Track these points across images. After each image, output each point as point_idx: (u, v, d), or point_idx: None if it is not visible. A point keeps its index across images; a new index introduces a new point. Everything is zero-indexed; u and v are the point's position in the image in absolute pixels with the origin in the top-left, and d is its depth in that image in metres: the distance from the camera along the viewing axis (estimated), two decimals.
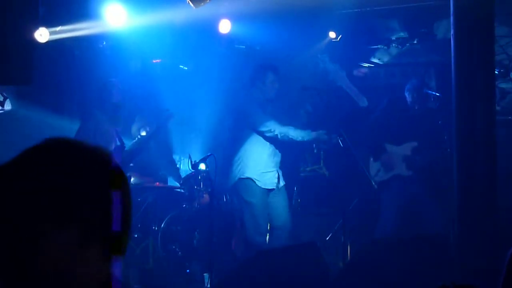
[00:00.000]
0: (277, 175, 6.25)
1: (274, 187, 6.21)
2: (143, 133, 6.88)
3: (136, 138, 6.74)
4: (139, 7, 6.48)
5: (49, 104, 7.43)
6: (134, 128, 7.04)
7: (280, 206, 6.23)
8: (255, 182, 6.13)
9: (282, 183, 6.29)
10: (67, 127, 7.39)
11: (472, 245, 5.06)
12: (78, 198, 1.23)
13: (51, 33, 6.37)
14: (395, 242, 5.89)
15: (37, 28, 5.82)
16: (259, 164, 6.15)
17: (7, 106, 7.36)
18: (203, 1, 5.24)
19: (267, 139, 6.17)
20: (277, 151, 6.27)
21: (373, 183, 6.13)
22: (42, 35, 6.19)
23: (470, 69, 5.14)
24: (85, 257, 1.25)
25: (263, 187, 6.15)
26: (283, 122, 6.17)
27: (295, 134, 6.13)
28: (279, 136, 6.11)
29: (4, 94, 6.67)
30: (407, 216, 6.37)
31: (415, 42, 7.90)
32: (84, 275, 1.25)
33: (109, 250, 1.27)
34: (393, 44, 8.03)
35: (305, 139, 6.18)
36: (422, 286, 4.52)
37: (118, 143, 5.93)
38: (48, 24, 6.31)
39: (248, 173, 6.15)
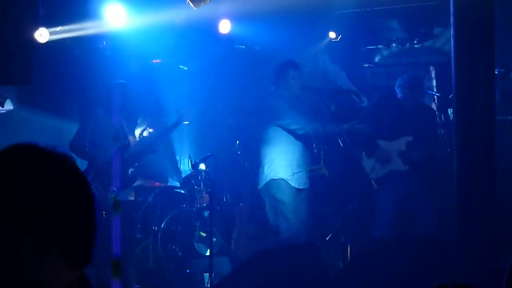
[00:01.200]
0: (307, 175, 6.23)
1: (304, 187, 6.19)
2: (145, 134, 6.87)
3: (139, 139, 6.73)
4: (139, 7, 6.48)
5: (49, 104, 7.44)
6: (138, 130, 7.03)
7: (301, 208, 6.20)
8: (288, 182, 6.10)
9: (308, 184, 6.26)
10: (67, 127, 7.40)
11: (472, 245, 5.06)
12: (34, 206, 1.20)
13: (51, 33, 6.38)
14: (395, 242, 5.89)
15: (37, 28, 5.82)
16: (292, 164, 6.11)
17: (8, 106, 7.37)
18: (203, 1, 5.25)
19: (299, 137, 6.12)
20: (307, 150, 6.24)
21: (373, 183, 6.12)
22: (42, 35, 6.20)
23: (470, 69, 5.14)
24: (46, 265, 1.22)
25: (296, 187, 6.12)
26: (311, 118, 6.15)
27: (328, 128, 6.11)
28: (311, 132, 6.09)
29: (5, 94, 6.67)
30: (403, 213, 6.35)
31: (415, 42, 7.90)
32: (47, 283, 1.22)
33: (72, 256, 1.25)
34: (393, 44, 8.03)
35: (339, 132, 6.13)
36: (422, 286, 4.52)
37: (126, 142, 5.92)
38: (48, 24, 6.31)
39: (281, 174, 6.09)
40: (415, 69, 8.21)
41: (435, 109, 7.04)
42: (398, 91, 6.57)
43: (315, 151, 6.81)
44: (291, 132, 6.11)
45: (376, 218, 6.42)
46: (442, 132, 6.75)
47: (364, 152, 6.43)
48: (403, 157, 6.36)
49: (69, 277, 1.26)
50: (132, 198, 6.14)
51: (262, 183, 6.20)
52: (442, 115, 6.92)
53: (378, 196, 6.39)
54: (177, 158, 7.87)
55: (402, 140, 6.40)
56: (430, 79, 8.09)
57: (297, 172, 6.13)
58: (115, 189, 5.69)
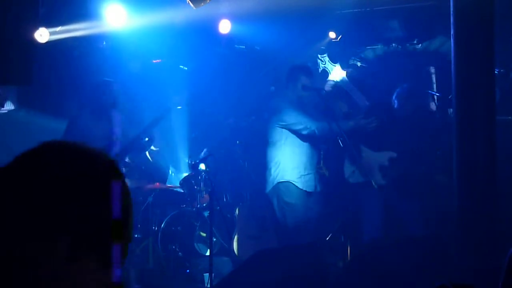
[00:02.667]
0: (316, 177, 6.19)
1: (313, 190, 6.14)
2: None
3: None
4: (139, 7, 6.49)
5: (49, 104, 7.43)
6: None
7: (311, 212, 6.16)
8: (295, 185, 6.07)
9: (319, 187, 6.21)
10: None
11: (472, 245, 5.06)
12: (69, 208, 1.17)
13: (51, 33, 6.38)
14: (395, 242, 5.89)
15: (37, 28, 5.82)
16: (299, 166, 6.07)
17: (9, 106, 7.37)
18: (203, 1, 5.25)
19: (305, 137, 6.08)
20: (315, 152, 6.21)
21: (373, 183, 6.10)
22: (42, 35, 6.20)
23: (470, 69, 5.14)
24: (76, 269, 1.19)
25: (303, 189, 6.08)
26: (317, 118, 6.12)
27: (334, 126, 6.09)
28: (316, 131, 6.03)
29: (4, 95, 6.67)
30: (389, 215, 6.31)
31: (415, 42, 7.90)
32: (84, 285, 1.20)
33: (105, 258, 1.20)
34: (393, 44, 8.03)
35: (345, 130, 6.11)
36: (422, 286, 4.52)
37: (113, 142, 5.92)
38: (48, 24, 6.31)
39: (288, 177, 6.06)
40: (415, 69, 8.21)
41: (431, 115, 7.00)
42: (396, 101, 6.46)
43: None
44: (296, 133, 6.08)
45: (364, 220, 6.36)
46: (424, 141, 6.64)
47: (347, 158, 6.33)
48: (384, 172, 6.27)
49: (104, 277, 1.22)
50: None
51: (269, 186, 6.17)
52: (442, 115, 6.91)
53: (364, 200, 6.34)
54: (177, 158, 7.86)
55: (386, 154, 6.29)
56: (430, 79, 8.09)
57: (305, 175, 6.09)
58: None
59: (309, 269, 5.12)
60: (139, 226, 6.62)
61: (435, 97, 7.07)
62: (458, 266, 5.06)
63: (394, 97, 6.48)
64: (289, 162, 6.08)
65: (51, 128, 7.18)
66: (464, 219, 5.15)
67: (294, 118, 6.05)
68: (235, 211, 6.78)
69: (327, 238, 6.98)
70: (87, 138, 5.94)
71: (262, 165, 6.38)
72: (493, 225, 5.10)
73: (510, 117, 6.93)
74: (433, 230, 6.27)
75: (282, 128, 6.11)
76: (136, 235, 6.55)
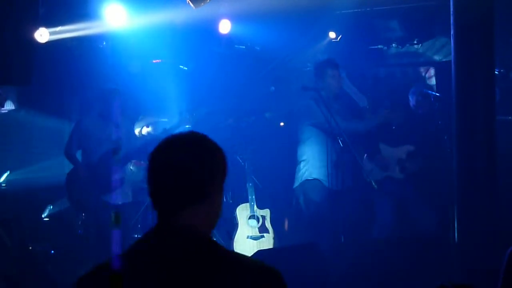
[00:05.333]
0: (341, 176, 6.19)
1: (339, 188, 6.15)
2: (144, 132, 6.88)
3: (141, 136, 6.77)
4: (139, 7, 6.48)
5: (49, 104, 7.44)
6: (137, 129, 7.04)
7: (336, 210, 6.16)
8: (322, 183, 6.11)
9: (346, 184, 6.20)
10: (67, 127, 7.40)
11: (472, 245, 5.06)
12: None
13: (51, 33, 6.37)
14: (395, 242, 5.90)
15: (37, 28, 5.82)
16: (327, 165, 6.09)
17: (9, 106, 7.37)
18: (203, 1, 5.25)
19: (332, 136, 6.06)
20: (343, 150, 6.17)
21: (373, 184, 6.11)
22: (42, 35, 6.19)
23: (470, 69, 5.13)
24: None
25: (331, 187, 6.10)
26: (348, 117, 6.15)
27: (359, 125, 6.15)
28: (344, 129, 6.00)
29: (4, 95, 6.67)
30: (402, 215, 6.37)
31: (415, 42, 7.90)
32: None
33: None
34: (393, 44, 8.03)
35: (371, 126, 6.17)
36: (422, 286, 4.52)
37: (116, 146, 5.94)
38: (48, 24, 6.31)
39: (316, 174, 6.12)
40: (415, 69, 8.21)
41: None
42: (411, 99, 6.59)
43: None
44: (326, 131, 6.10)
45: (377, 219, 6.43)
46: (439, 138, 6.71)
47: (366, 155, 6.42)
48: (401, 165, 6.38)
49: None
50: (130, 200, 6.16)
51: (297, 182, 6.24)
52: (441, 116, 6.91)
53: (377, 199, 6.41)
54: None
55: (403, 148, 6.41)
56: (430, 79, 8.09)
57: (331, 173, 6.12)
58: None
59: (309, 269, 5.12)
60: (139, 226, 6.62)
61: (435, 97, 7.07)
62: (458, 266, 5.06)
63: (409, 94, 6.65)
64: (317, 161, 6.13)
65: (51, 128, 7.20)
66: (464, 219, 5.15)
67: (324, 117, 6.06)
68: (235, 211, 6.77)
69: (327, 238, 6.98)
70: (92, 139, 5.97)
71: (262, 165, 6.38)
72: (493, 225, 5.10)
73: (510, 117, 6.93)
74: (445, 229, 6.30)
75: (312, 126, 6.15)
76: (136, 235, 6.55)
